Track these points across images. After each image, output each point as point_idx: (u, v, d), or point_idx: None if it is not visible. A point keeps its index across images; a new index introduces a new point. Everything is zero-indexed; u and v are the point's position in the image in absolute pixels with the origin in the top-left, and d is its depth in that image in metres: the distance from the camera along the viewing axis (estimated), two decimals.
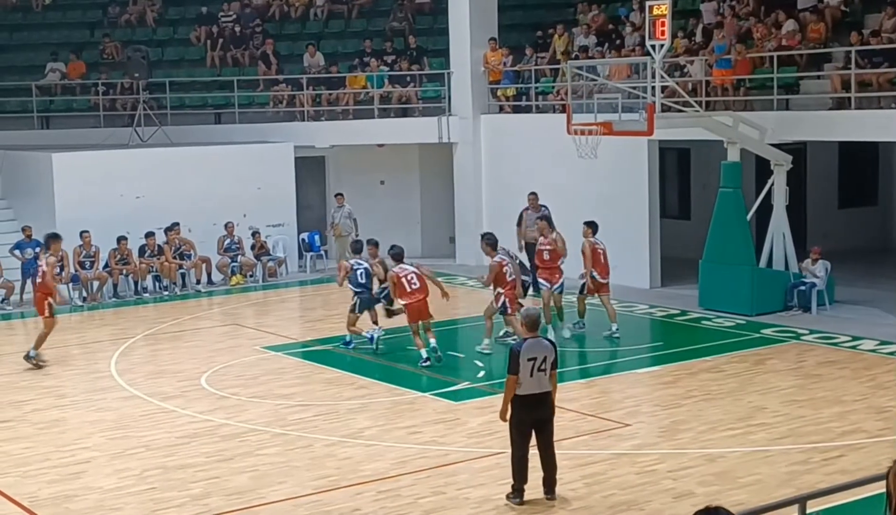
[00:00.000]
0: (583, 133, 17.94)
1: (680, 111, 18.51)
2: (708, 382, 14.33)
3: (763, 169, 19.54)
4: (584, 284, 16.96)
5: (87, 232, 20.44)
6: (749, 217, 18.65)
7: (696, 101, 18.92)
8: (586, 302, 17.15)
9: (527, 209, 20.09)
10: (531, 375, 10.05)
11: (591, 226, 17.06)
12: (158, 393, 14.35)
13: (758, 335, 16.93)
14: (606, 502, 10.23)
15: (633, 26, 22.08)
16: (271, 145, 23.84)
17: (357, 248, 17.32)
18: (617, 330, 16.76)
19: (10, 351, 17.19)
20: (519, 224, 20.20)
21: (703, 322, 18.04)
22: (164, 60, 27.07)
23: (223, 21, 27.20)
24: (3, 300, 20.31)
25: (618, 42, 22.43)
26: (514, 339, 18.26)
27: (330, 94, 24.89)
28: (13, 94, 26.18)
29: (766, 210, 18.89)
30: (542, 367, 10.10)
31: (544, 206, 19.86)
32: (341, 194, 23.23)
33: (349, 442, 12.12)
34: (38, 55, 26.83)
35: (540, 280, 17.13)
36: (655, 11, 17.56)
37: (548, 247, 16.84)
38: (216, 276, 22.28)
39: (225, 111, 25.70)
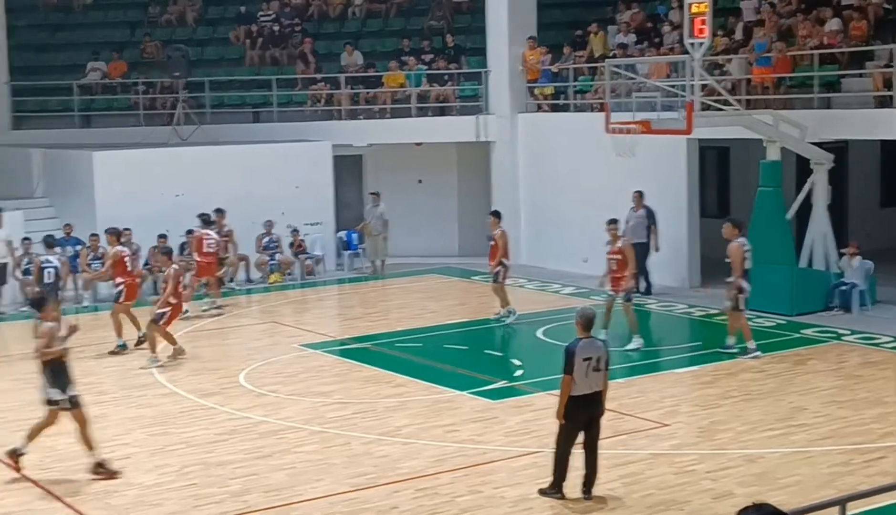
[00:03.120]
0: (621, 132, 17.88)
1: (719, 109, 18.40)
2: (748, 382, 14.23)
3: (803, 168, 19.38)
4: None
5: (128, 229, 20.54)
6: (789, 216, 18.51)
7: (735, 100, 18.80)
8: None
9: (632, 208, 19.92)
10: (586, 375, 10.01)
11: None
12: (198, 389, 14.44)
13: (798, 335, 16.80)
14: (644, 502, 10.19)
15: (672, 24, 21.96)
16: (309, 144, 23.92)
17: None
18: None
19: None
20: (626, 222, 20.01)
21: None
22: (204, 59, 27.23)
23: (262, 20, 27.33)
24: None
25: (656, 40, 22.33)
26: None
27: (368, 93, 24.95)
28: (55, 93, 26.45)
29: (806, 209, 18.74)
30: (597, 367, 10.07)
31: (647, 207, 19.72)
32: (377, 193, 23.29)
33: (386, 440, 12.15)
34: (79, 54, 27.10)
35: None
36: (695, 9, 17.46)
37: (617, 257, 16.32)
38: (254, 274, 22.39)
39: (263, 110, 25.83)
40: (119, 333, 16.63)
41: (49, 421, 11.36)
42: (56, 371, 11.21)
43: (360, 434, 12.40)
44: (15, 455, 11.44)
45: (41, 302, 11.89)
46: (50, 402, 11.25)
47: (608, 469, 11.00)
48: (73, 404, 11.22)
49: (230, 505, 10.39)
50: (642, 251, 19.86)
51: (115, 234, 17.59)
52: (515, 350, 16.66)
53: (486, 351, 16.52)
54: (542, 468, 11.16)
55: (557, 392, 13.65)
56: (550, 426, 12.45)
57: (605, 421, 12.56)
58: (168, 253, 16.84)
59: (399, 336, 17.23)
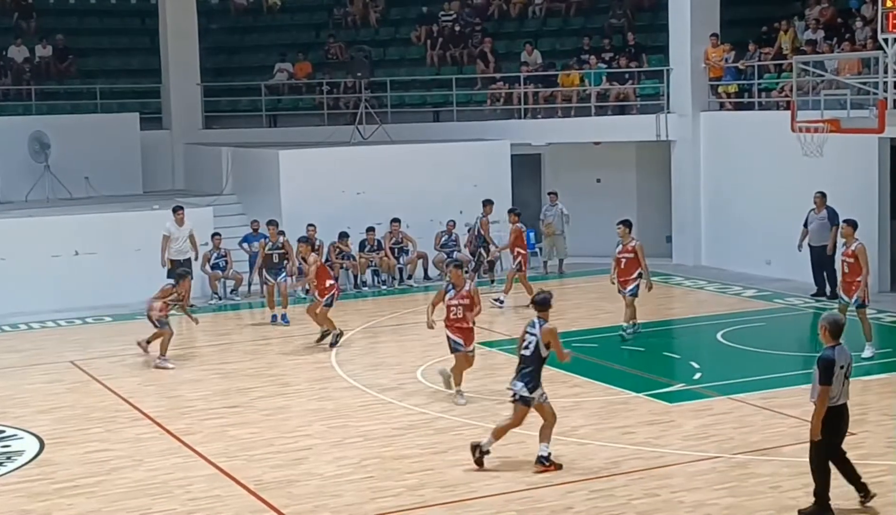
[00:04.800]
0: (808, 130, 17.33)
1: None
2: None
3: None
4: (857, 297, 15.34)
5: (312, 225, 21.05)
6: None
7: None
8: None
9: (813, 210, 19.45)
10: (842, 384, 9.62)
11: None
12: (376, 384, 14.69)
13: None
14: None
15: (864, 19, 21.19)
16: (488, 143, 24.03)
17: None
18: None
19: (239, 340, 17.99)
20: (805, 225, 19.57)
21: None
22: (386, 60, 27.73)
23: (443, 20, 27.62)
24: (233, 290, 21.22)
25: (847, 36, 21.57)
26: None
27: (546, 92, 24.91)
28: (244, 94, 27.39)
29: None
30: (848, 374, 9.70)
31: (830, 208, 19.22)
32: (555, 193, 23.24)
33: (562, 440, 12.09)
34: (267, 56, 27.97)
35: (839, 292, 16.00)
36: (889, 3, 16.75)
37: (849, 260, 15.47)
38: (432, 272, 22.64)
39: (443, 109, 26.10)
40: (332, 325, 16.82)
41: (516, 420, 11.27)
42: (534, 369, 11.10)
43: (536, 433, 12.35)
44: (480, 452, 11.28)
45: (544, 303, 11.52)
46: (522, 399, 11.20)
47: (791, 477, 10.70)
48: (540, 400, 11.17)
49: (407, 499, 10.53)
50: (826, 254, 19.26)
51: (309, 243, 17.77)
52: (694, 352, 16.35)
53: (663, 353, 16.27)
54: (721, 473, 10.95)
55: (740, 396, 13.46)
56: (729, 431, 12.25)
57: (788, 428, 12.32)
58: (461, 265, 15.01)
59: (575, 336, 17.13)
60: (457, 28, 27.35)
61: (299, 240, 17.63)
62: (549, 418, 11.29)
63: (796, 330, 18.39)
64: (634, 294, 16.61)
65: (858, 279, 15.26)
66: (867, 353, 15.23)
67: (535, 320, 11.43)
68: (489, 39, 26.64)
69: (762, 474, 10.88)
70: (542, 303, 11.53)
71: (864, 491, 9.89)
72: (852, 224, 15.91)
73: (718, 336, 16.60)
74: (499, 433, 11.36)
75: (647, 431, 12.38)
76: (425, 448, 11.97)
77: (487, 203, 21.61)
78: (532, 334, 11.37)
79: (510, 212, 20.78)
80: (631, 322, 16.67)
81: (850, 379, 9.81)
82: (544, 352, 11.29)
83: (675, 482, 10.81)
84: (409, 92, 26.70)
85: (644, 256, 16.72)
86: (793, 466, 10.98)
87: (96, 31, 28.70)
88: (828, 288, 19.39)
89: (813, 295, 19.59)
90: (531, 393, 11.20)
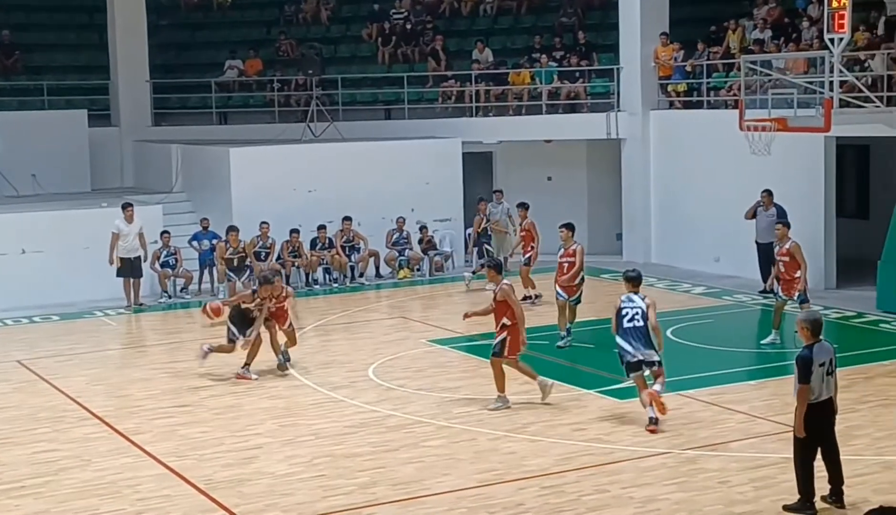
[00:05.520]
0: (756, 129, 17.52)
1: (859, 107, 17.88)
2: (886, 387, 13.82)
3: None
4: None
5: (266, 223, 20.96)
6: None
7: (876, 96, 18.24)
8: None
9: (761, 207, 19.61)
10: (822, 380, 9.63)
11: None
12: (327, 382, 14.66)
13: None
14: (776, 507, 9.97)
15: (811, 19, 21.44)
16: (440, 141, 24.06)
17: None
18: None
19: (189, 338, 17.85)
20: (754, 217, 19.76)
21: (882, 325, 17.41)
22: (337, 57, 27.67)
23: (394, 18, 27.60)
24: (183, 289, 21.08)
25: (794, 36, 21.82)
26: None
27: (498, 90, 24.97)
28: (194, 91, 27.18)
29: None
30: (830, 371, 9.71)
31: (778, 206, 19.40)
32: (500, 191, 23.28)
33: (513, 437, 12.15)
34: (217, 53, 27.80)
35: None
36: (835, 4, 16.98)
37: (785, 259, 15.83)
38: (384, 270, 22.63)
39: (395, 107, 26.08)
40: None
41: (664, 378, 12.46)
42: None
43: (487, 430, 12.43)
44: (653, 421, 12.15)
45: (639, 279, 12.75)
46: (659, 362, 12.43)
47: (739, 472, 10.82)
48: None
49: (358, 497, 10.52)
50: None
51: (269, 282, 15.12)
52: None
53: (614, 350, 16.34)
54: (670, 468, 11.05)
55: (688, 392, 13.57)
56: (678, 427, 12.35)
57: (737, 424, 12.46)
58: (497, 267, 13.88)
59: (527, 333, 17.17)
60: (408, 26, 27.34)
61: (261, 283, 15.23)
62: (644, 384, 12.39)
63: (744, 326, 18.59)
64: (578, 302, 16.24)
65: (796, 275, 15.61)
66: (768, 340, 15.90)
67: (631, 295, 12.48)
68: (440, 37, 26.66)
69: (711, 469, 11.00)
70: (637, 279, 12.67)
71: (837, 497, 9.84)
72: (786, 224, 16.31)
73: (668, 333, 16.70)
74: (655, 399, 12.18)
75: (597, 427, 12.46)
76: (377, 446, 11.96)
77: (482, 200, 21.89)
78: (634, 307, 12.34)
79: (519, 206, 20.20)
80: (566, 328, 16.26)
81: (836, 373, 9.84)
82: (653, 320, 12.35)
83: (625, 477, 10.89)
84: (361, 90, 26.66)
85: (583, 262, 16.24)
86: (741, 461, 11.12)
87: (43, 27, 28.33)
88: (776, 286, 19.56)
89: (761, 292, 19.81)
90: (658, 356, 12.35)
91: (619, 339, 12.46)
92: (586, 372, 15.02)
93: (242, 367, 15.02)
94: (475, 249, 22.45)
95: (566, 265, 16.28)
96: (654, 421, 12.16)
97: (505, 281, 13.40)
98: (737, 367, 15.25)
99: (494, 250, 23.24)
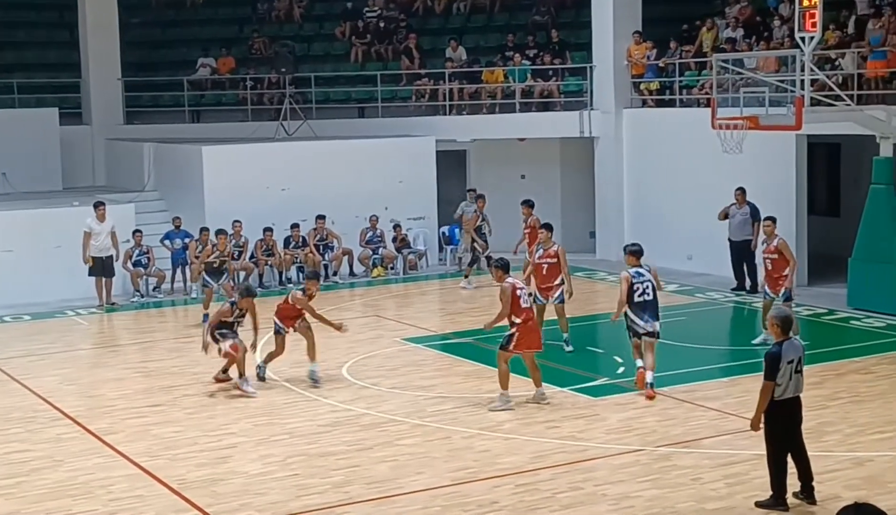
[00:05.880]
0: (728, 127, 17.62)
1: (830, 105, 18.01)
2: (856, 384, 13.92)
3: None
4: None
5: (238, 221, 20.91)
6: None
7: (847, 95, 18.38)
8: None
9: (734, 204, 19.69)
10: (790, 378, 9.62)
11: None
12: (301, 381, 14.62)
13: None
14: (748, 503, 10.02)
15: (782, 18, 21.57)
16: (413, 139, 24.06)
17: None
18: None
19: (161, 338, 17.78)
20: (727, 218, 19.83)
21: (852, 322, 17.54)
22: (310, 55, 27.60)
23: (368, 16, 27.57)
24: (155, 288, 20.99)
25: (765, 34, 21.94)
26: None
27: (471, 89, 24.99)
28: (166, 89, 27.06)
29: None
30: (799, 369, 9.69)
31: (751, 204, 19.49)
32: (474, 189, 23.29)
33: (487, 435, 12.16)
34: (189, 51, 27.68)
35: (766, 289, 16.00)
36: (805, 3, 17.13)
37: (773, 256, 15.67)
38: (357, 268, 22.60)
39: (368, 105, 26.06)
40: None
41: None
42: None
43: (462, 428, 12.44)
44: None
45: (640, 252, 13.63)
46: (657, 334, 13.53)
47: (712, 469, 10.88)
48: None
49: (332, 496, 10.51)
50: (748, 249, 19.61)
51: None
52: (617, 347, 16.50)
53: (587, 348, 16.42)
54: (644, 465, 11.09)
55: (662, 389, 13.62)
56: (652, 424, 12.41)
57: (709, 421, 12.52)
58: (504, 267, 13.43)
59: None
60: (381, 24, 27.31)
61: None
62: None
63: (717, 324, 18.69)
64: (562, 300, 15.83)
65: (784, 274, 15.51)
66: (759, 340, 15.74)
67: (638, 269, 13.31)
68: (414, 35, 26.65)
69: (684, 466, 11.05)
70: (640, 253, 13.57)
71: (808, 493, 9.87)
72: (773, 220, 16.19)
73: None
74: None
75: (571, 425, 12.49)
76: (351, 445, 11.95)
77: (480, 197, 21.89)
78: (644, 282, 13.24)
79: (524, 203, 19.85)
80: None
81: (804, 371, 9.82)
82: (661, 286, 13.61)
83: (599, 475, 10.92)
84: (334, 88, 26.62)
85: (566, 262, 15.89)
86: (713, 458, 11.17)
87: (13, 25, 28.12)
88: (748, 282, 19.73)
89: (733, 290, 19.92)
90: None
91: (630, 313, 13.35)
92: (560, 369, 15.03)
93: (240, 378, 14.18)
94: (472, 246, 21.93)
95: (546, 266, 15.82)
96: (651, 386, 13.28)
97: (508, 279, 13.13)
98: (710, 364, 15.35)
99: (462, 248, 23.19)
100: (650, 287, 13.31)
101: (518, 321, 12.99)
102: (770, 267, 15.75)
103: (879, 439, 11.72)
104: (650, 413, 12.85)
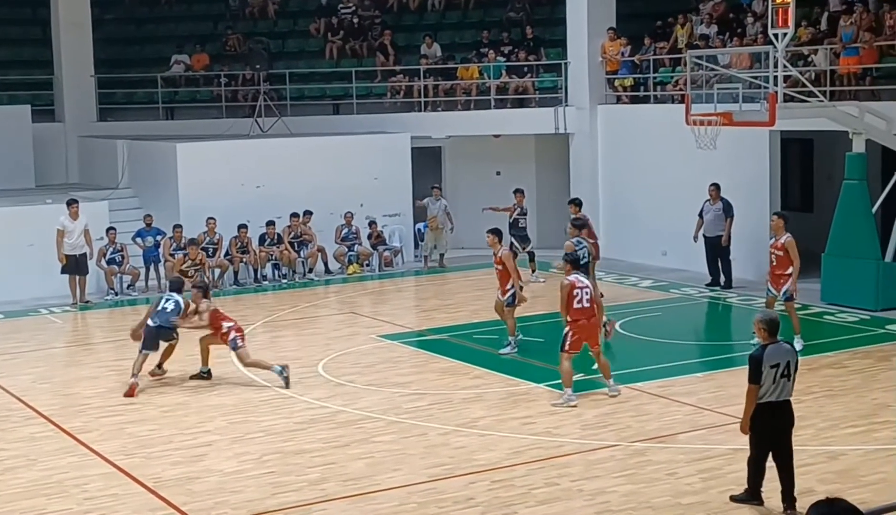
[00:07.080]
0: (702, 123, 17.69)
1: (803, 101, 18.11)
2: (830, 378, 14.02)
3: (890, 160, 19.01)
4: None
5: (212, 218, 20.85)
6: (875, 210, 18.16)
7: (820, 91, 18.49)
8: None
9: (708, 201, 19.75)
10: (774, 382, 9.50)
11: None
12: (277, 379, 14.58)
13: (883, 331, 16.49)
14: (723, 497, 10.07)
15: (755, 15, 21.67)
16: (388, 136, 24.04)
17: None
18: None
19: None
20: (701, 215, 19.84)
21: (826, 317, 17.65)
22: (285, 52, 27.53)
23: (342, 13, 27.52)
24: (129, 286, 20.89)
25: (739, 31, 22.04)
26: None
27: (446, 85, 24.99)
28: (140, 86, 26.93)
29: (892, 202, 18.37)
30: (786, 373, 9.53)
31: (724, 200, 19.53)
32: (438, 187, 23.31)
33: (463, 432, 12.17)
34: (163, 47, 27.54)
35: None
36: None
37: (779, 253, 15.33)
38: (333, 265, 22.57)
39: (343, 102, 26.01)
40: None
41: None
42: None
43: (438, 425, 12.45)
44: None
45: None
46: None
47: (687, 464, 10.93)
48: None
49: (308, 493, 10.50)
50: (721, 245, 19.70)
51: (204, 289, 14.91)
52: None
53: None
54: (619, 461, 11.13)
55: (637, 385, 13.69)
56: (627, 419, 12.45)
57: (684, 416, 12.57)
58: (573, 261, 13.80)
59: (476, 327, 17.24)
60: (356, 20, 27.27)
61: (194, 287, 14.94)
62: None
63: (691, 319, 18.78)
64: (511, 304, 15.51)
65: (788, 272, 15.29)
66: (798, 346, 15.29)
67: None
68: (389, 32, 26.61)
69: (659, 461, 11.09)
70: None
71: (789, 504, 9.76)
72: (783, 216, 15.73)
73: (617, 326, 16.83)
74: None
75: (547, 421, 12.52)
76: (327, 443, 11.94)
77: (519, 191, 21.61)
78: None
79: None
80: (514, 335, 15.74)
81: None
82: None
83: (574, 470, 10.95)
84: (309, 84, 26.56)
85: (515, 266, 15.47)
86: (688, 453, 11.23)
87: None
88: (722, 278, 19.82)
89: (707, 285, 20.01)
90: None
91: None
92: (536, 365, 15.07)
93: (157, 366, 14.67)
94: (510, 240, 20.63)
95: (497, 271, 15.62)
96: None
97: (570, 277, 13.21)
98: (684, 360, 15.42)
99: (429, 246, 23.09)
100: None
101: (570, 319, 13.13)
102: (774, 263, 15.43)
103: (852, 433, 11.81)
104: (625, 408, 12.89)
